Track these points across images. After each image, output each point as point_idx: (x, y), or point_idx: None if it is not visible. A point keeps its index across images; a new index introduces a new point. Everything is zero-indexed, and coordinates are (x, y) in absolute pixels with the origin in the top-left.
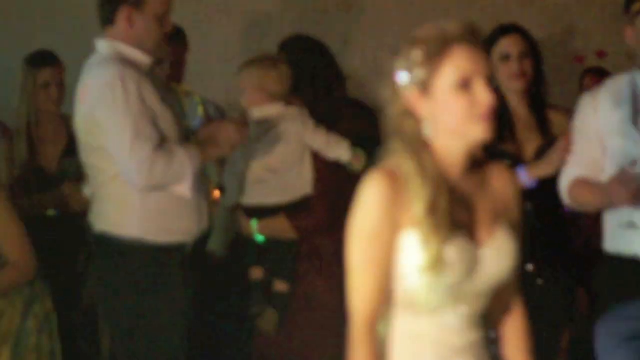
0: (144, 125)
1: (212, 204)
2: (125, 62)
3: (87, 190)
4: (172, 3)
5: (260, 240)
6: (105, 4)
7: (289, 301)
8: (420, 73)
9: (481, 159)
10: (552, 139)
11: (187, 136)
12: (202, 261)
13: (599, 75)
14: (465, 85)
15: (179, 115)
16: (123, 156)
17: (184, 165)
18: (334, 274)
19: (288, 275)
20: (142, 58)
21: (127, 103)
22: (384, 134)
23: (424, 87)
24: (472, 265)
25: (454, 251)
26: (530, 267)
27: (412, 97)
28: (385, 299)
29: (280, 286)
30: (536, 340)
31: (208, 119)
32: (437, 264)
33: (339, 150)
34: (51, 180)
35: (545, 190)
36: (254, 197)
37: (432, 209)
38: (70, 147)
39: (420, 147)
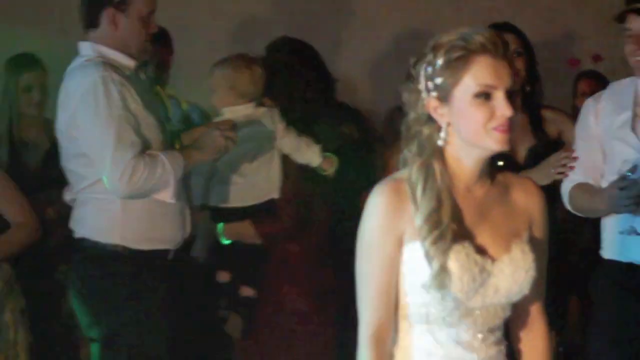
0: (126, 132)
1: (197, 209)
2: (108, 65)
3: (67, 196)
4: (156, 3)
5: (226, 244)
6: (88, 6)
7: (255, 306)
8: (440, 81)
9: (505, 173)
10: (546, 139)
11: (172, 141)
12: (185, 268)
13: (594, 79)
14: (484, 96)
15: (163, 119)
16: (105, 163)
17: (166, 172)
18: (301, 280)
19: (254, 281)
20: (125, 61)
21: (110, 109)
22: (372, 138)
23: (444, 94)
24: (480, 277)
25: (458, 261)
26: None
27: (432, 104)
28: (392, 312)
29: (247, 291)
30: None
31: (191, 124)
32: (440, 276)
33: (310, 154)
34: (32, 184)
35: None
36: (220, 198)
37: (433, 219)
38: (52, 152)
39: (433, 154)
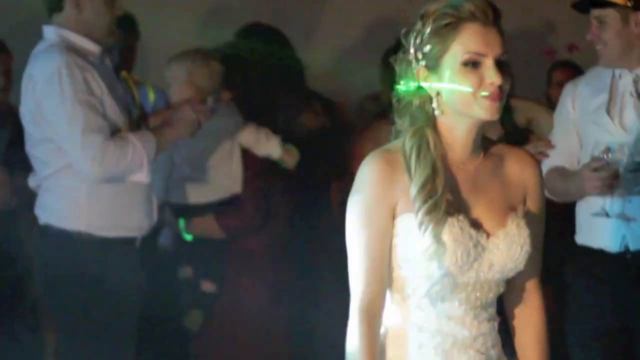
0: (94, 116)
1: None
2: (72, 50)
3: (32, 182)
4: None
5: (188, 239)
6: None
7: (216, 301)
8: (428, 49)
9: (498, 144)
10: (514, 127)
11: (139, 125)
12: (152, 256)
13: (571, 69)
14: (473, 64)
15: (130, 105)
16: (74, 148)
17: (138, 152)
18: (262, 274)
19: (215, 276)
20: (90, 47)
21: (75, 93)
22: (342, 127)
23: (433, 63)
24: (474, 252)
25: (452, 234)
26: None
27: (421, 73)
28: (385, 286)
29: (207, 286)
30: None
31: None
32: (433, 247)
33: (270, 147)
34: None
35: None
36: (181, 195)
37: (428, 189)
38: (17, 138)
39: (425, 124)
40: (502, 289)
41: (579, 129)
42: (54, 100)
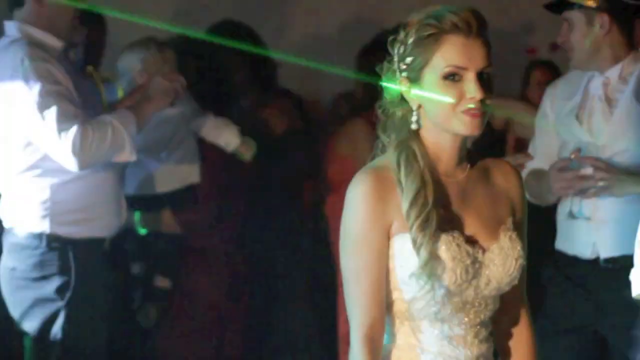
0: (66, 104)
1: None
2: (35, 45)
3: None
4: None
5: (143, 233)
6: None
7: (171, 297)
8: (410, 60)
9: (482, 156)
10: (489, 130)
11: None
12: (122, 257)
13: (551, 69)
14: (453, 77)
15: (96, 102)
16: (51, 138)
17: (118, 131)
18: (217, 271)
19: (170, 271)
20: (53, 42)
21: (43, 86)
22: (314, 125)
23: (414, 75)
24: (473, 269)
25: (450, 252)
26: None
27: (404, 84)
28: (384, 309)
29: (162, 282)
30: None
31: None
32: (429, 263)
33: (228, 136)
34: None
35: None
36: (136, 185)
37: (420, 202)
38: None
39: (409, 137)
40: (497, 305)
41: (557, 132)
42: (23, 94)
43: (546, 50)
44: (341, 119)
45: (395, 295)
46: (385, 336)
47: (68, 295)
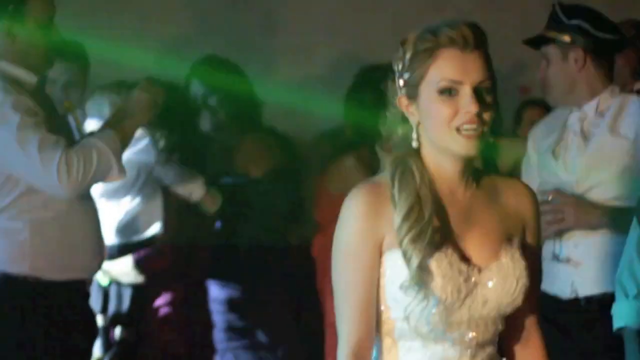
0: (45, 134)
1: None
2: (9, 80)
3: None
4: (55, 9)
5: (105, 285)
6: None
7: (134, 348)
8: (407, 76)
9: (491, 175)
10: (494, 170)
11: None
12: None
13: (542, 108)
14: (449, 92)
15: (73, 140)
16: (35, 170)
17: (103, 153)
18: (182, 321)
19: (133, 322)
20: (26, 76)
21: (21, 118)
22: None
23: (412, 91)
24: (466, 287)
25: (440, 269)
26: None
27: (403, 102)
28: (373, 326)
29: (124, 333)
30: None
31: None
32: (419, 274)
33: (192, 187)
34: None
35: None
36: None
37: (413, 217)
38: None
39: (409, 154)
40: (501, 327)
41: (539, 171)
42: (1, 130)
43: (539, 89)
44: (325, 158)
45: (386, 313)
46: (375, 354)
47: (46, 341)
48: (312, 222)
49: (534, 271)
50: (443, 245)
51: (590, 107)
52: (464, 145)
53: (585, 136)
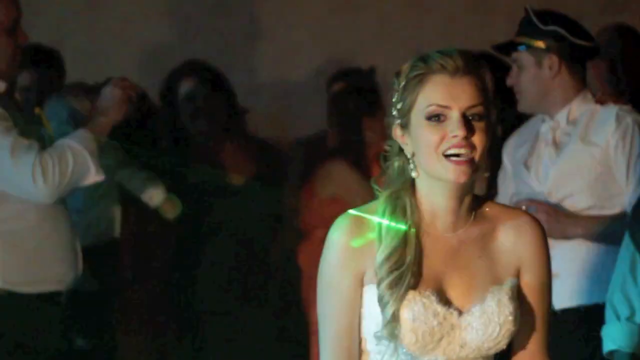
0: (16, 138)
1: None
2: None
3: None
4: (20, 11)
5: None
6: None
7: (91, 357)
8: (400, 105)
9: (493, 205)
10: None
11: None
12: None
13: None
14: (438, 118)
15: (45, 143)
16: (10, 176)
17: (78, 153)
18: (141, 328)
19: (90, 330)
20: None
21: None
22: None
23: (404, 120)
24: (440, 330)
25: (412, 312)
26: None
27: (397, 132)
28: (353, 356)
29: (80, 341)
30: None
31: None
32: (391, 325)
33: (152, 191)
34: None
35: None
36: None
37: (394, 259)
38: None
39: (402, 188)
40: None
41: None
42: None
43: None
44: (308, 164)
45: (363, 343)
46: None
47: (22, 356)
48: (296, 231)
49: (540, 311)
50: (424, 287)
51: (562, 116)
52: (452, 171)
53: (557, 145)
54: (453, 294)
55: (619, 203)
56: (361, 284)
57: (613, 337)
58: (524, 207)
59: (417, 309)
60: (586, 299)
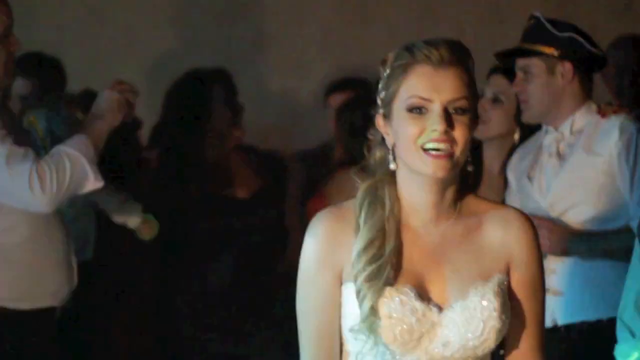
0: (12, 147)
1: None
2: None
3: None
4: (12, 18)
5: None
6: None
7: None
8: (383, 95)
9: (480, 200)
10: None
11: None
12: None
13: None
14: (419, 110)
15: (39, 152)
16: (6, 184)
17: (76, 160)
18: (123, 351)
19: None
20: None
21: None
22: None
23: (387, 110)
24: (419, 327)
25: (389, 309)
26: None
27: (379, 122)
28: (336, 354)
29: None
30: None
31: None
32: (370, 319)
33: (128, 214)
34: None
35: None
36: None
37: (371, 252)
38: None
39: (383, 181)
40: None
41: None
42: None
43: None
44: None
45: (345, 345)
46: None
47: None
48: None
49: (531, 309)
50: (403, 283)
51: (565, 127)
52: (430, 165)
53: (560, 157)
54: (434, 290)
55: (623, 214)
56: (340, 281)
57: (628, 355)
58: None
59: (393, 305)
60: (590, 315)
